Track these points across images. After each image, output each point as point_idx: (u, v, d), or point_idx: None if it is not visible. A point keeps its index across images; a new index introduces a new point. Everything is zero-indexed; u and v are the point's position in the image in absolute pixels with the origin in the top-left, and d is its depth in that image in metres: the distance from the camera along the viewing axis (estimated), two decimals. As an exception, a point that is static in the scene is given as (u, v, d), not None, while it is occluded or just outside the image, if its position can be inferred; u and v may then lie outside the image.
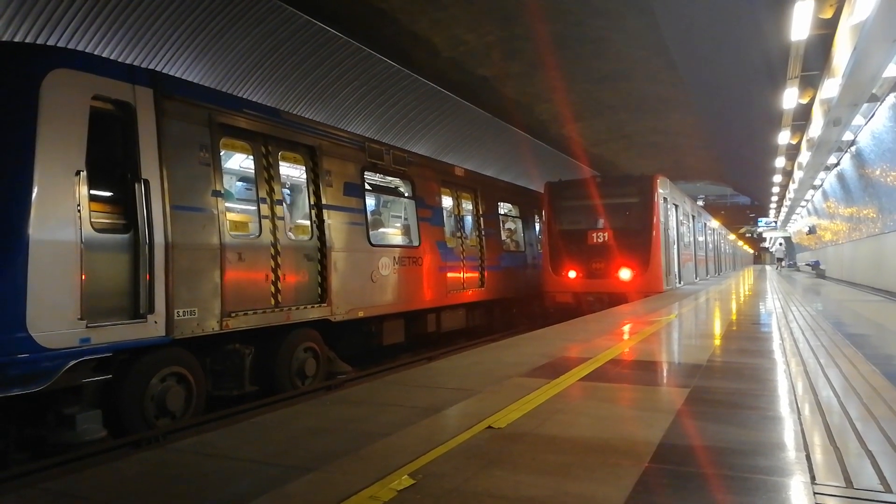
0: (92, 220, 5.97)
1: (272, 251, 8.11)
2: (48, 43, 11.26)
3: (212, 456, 3.42)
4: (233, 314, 7.36)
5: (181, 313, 6.71)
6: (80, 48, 11.52)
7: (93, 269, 5.86)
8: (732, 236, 56.21)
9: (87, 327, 5.71)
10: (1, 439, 5.81)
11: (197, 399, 7.06)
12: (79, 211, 5.78)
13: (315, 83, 17.20)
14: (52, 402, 5.84)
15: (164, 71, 12.91)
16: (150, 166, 6.52)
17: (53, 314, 5.50)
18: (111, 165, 6.38)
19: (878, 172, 16.32)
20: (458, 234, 13.60)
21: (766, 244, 79.93)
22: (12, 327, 5.26)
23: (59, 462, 5.58)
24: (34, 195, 5.49)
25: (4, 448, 5.81)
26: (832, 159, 19.45)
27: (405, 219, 12.68)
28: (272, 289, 8.08)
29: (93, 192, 6.03)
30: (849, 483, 2.88)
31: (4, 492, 4.40)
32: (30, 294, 5.33)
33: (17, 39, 10.96)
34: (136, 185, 6.38)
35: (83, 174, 5.85)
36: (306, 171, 9.20)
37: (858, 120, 14.48)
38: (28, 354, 5.31)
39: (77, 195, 5.78)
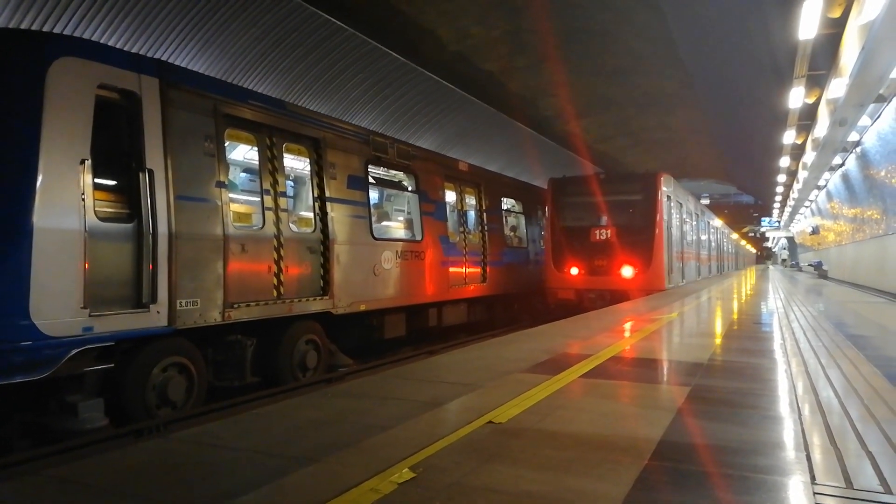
0: (96, 208, 5.98)
1: (275, 243, 8.12)
2: (54, 31, 11.25)
3: (214, 446, 3.43)
4: (235, 305, 7.37)
5: (184, 303, 6.72)
6: (85, 37, 11.51)
7: (96, 258, 5.88)
8: (735, 235, 56.13)
9: (89, 316, 5.73)
10: (4, 426, 5.85)
11: (198, 389, 7.08)
12: (83, 199, 5.79)
13: (320, 75, 17.18)
14: (54, 390, 5.87)
15: (169, 61, 12.90)
16: (154, 156, 6.53)
17: (57, 302, 5.52)
18: (116, 154, 6.38)
19: (882, 174, 16.27)
20: (461, 229, 13.59)
21: (770, 244, 79.95)
22: (16, 315, 5.29)
23: (61, 449, 5.61)
24: (39, 183, 5.50)
25: (8, 435, 5.86)
26: (837, 160, 19.39)
27: (408, 213, 12.68)
28: (275, 281, 8.09)
29: (97, 180, 6.04)
30: (848, 483, 2.88)
31: (8, 478, 4.43)
32: (33, 282, 5.35)
33: (23, 27, 10.95)
34: (141, 175, 6.39)
35: (88, 163, 5.86)
36: (310, 164, 9.20)
37: (864, 120, 14.44)
38: (31, 342, 5.34)
39: (81, 184, 5.79)
